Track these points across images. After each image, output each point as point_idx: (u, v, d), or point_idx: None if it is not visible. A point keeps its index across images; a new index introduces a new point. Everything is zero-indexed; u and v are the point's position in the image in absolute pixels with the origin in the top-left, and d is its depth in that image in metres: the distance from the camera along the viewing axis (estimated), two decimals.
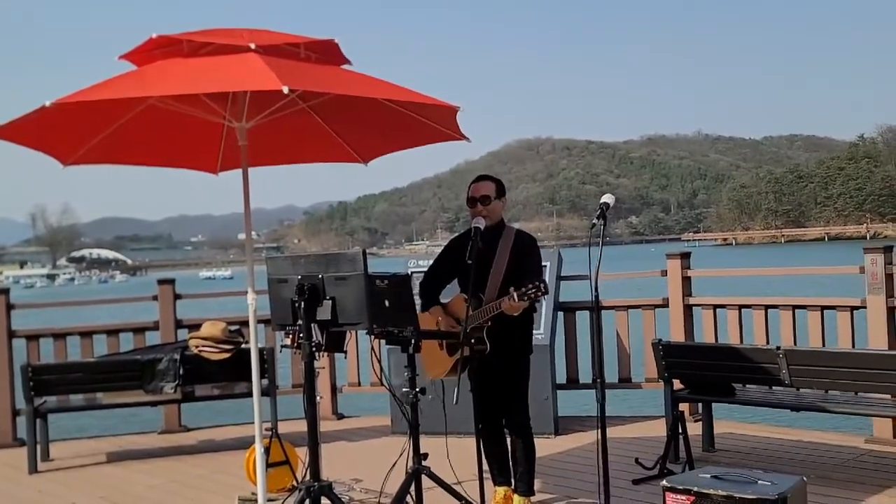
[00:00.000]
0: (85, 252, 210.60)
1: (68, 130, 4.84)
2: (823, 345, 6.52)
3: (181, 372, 6.82)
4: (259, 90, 4.40)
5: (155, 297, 8.01)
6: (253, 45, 4.31)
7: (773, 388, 5.97)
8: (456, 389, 4.48)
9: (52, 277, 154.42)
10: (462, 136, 5.12)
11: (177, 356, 6.86)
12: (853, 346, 6.32)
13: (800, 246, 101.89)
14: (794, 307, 6.79)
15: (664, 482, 3.96)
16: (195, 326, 7.34)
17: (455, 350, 4.71)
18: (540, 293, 4.37)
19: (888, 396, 5.60)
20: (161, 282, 8.12)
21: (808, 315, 6.68)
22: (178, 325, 7.95)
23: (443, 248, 5.21)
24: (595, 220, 4.28)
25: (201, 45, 4.59)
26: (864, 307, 6.36)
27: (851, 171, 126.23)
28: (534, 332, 5.48)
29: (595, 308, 4.34)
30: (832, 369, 5.38)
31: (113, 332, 7.95)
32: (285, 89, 3.74)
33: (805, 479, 3.94)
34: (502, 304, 4.50)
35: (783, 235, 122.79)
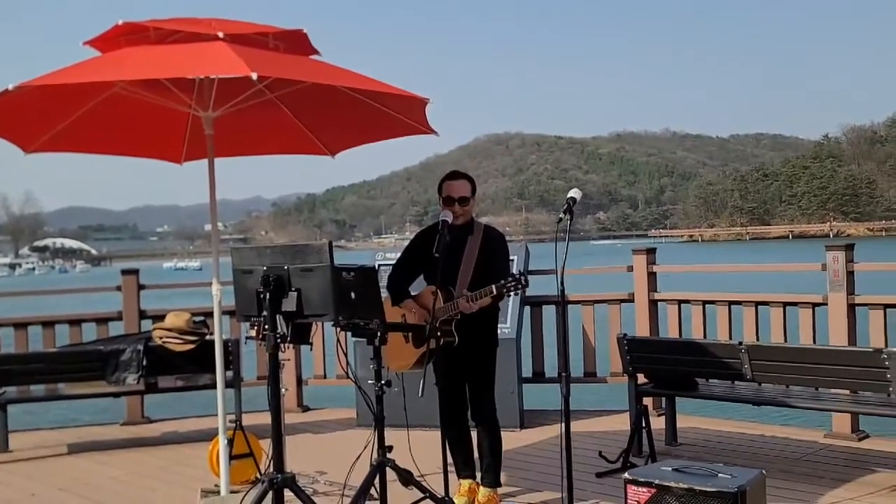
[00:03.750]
0: (48, 241, 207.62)
1: (31, 116, 4.78)
2: (785, 340, 6.61)
3: (144, 363, 6.76)
4: (227, 78, 4.37)
5: (118, 288, 7.93)
6: (221, 34, 4.27)
7: (736, 383, 6.04)
8: (421, 382, 4.48)
9: (13, 267, 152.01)
10: (430, 130, 5.12)
11: (140, 347, 6.79)
12: (814, 342, 6.41)
13: (764, 244, 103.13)
14: (757, 303, 6.87)
15: (626, 475, 3.99)
16: (159, 317, 7.28)
17: (422, 342, 4.71)
18: (520, 286, 4.43)
19: (847, 392, 5.69)
20: (125, 272, 8.03)
21: (771, 311, 6.77)
22: (142, 315, 7.87)
23: (410, 241, 5.21)
24: (562, 215, 4.29)
25: (168, 33, 4.55)
26: (826, 304, 6.45)
27: (816, 171, 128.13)
28: (500, 325, 5.51)
29: (561, 302, 4.35)
30: (793, 365, 5.45)
31: (75, 323, 7.85)
32: (254, 75, 3.73)
33: (764, 472, 3.98)
34: (459, 304, 4.58)
35: (748, 233, 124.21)
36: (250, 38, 4.54)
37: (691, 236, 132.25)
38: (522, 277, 4.47)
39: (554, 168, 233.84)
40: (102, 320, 7.90)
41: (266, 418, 4.22)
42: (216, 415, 5.08)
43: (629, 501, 3.90)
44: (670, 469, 3.92)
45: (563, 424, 4.16)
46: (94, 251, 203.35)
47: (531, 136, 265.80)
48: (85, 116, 4.96)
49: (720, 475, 3.78)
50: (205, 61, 4.12)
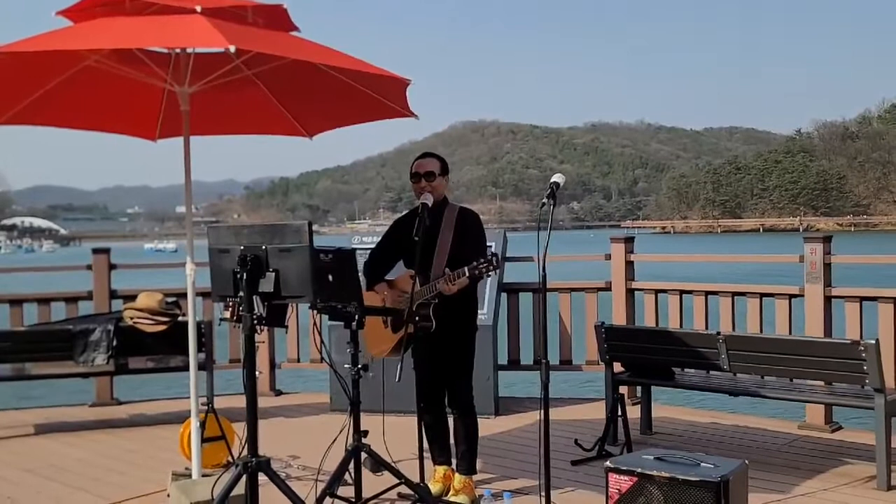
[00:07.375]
0: (17, 220, 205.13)
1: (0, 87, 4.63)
2: (761, 331, 6.61)
3: (114, 343, 6.63)
4: (204, 52, 4.27)
5: (89, 267, 7.78)
6: (199, 8, 4.16)
7: (711, 372, 6.03)
8: (399, 367, 4.42)
9: None
10: (410, 113, 5.04)
11: (110, 327, 6.66)
12: (790, 333, 6.41)
13: (736, 236, 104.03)
14: (734, 294, 6.87)
15: (607, 463, 3.94)
16: (130, 297, 7.15)
17: (399, 327, 4.64)
18: (492, 267, 4.36)
19: (821, 383, 5.70)
20: (96, 251, 7.87)
21: (748, 302, 6.77)
22: (113, 295, 7.73)
23: (389, 226, 5.14)
24: (545, 200, 4.21)
25: (145, 5, 4.42)
26: (802, 295, 6.46)
27: (787, 165, 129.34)
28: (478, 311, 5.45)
29: (541, 289, 4.29)
30: (769, 355, 5.44)
31: (44, 301, 7.68)
32: (232, 48, 3.63)
33: (747, 462, 3.96)
34: (438, 285, 4.50)
35: (720, 225, 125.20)
36: (228, 11, 4.41)
37: (664, 228, 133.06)
38: (494, 259, 4.38)
39: (529, 157, 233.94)
40: (72, 300, 7.74)
41: (238, 401, 4.16)
42: (187, 397, 4.99)
43: (611, 490, 3.86)
44: (652, 458, 3.88)
45: (543, 411, 4.11)
46: (63, 231, 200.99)
47: (506, 125, 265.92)
48: (57, 89, 4.82)
49: (703, 464, 3.75)
50: (182, 33, 4.01)
